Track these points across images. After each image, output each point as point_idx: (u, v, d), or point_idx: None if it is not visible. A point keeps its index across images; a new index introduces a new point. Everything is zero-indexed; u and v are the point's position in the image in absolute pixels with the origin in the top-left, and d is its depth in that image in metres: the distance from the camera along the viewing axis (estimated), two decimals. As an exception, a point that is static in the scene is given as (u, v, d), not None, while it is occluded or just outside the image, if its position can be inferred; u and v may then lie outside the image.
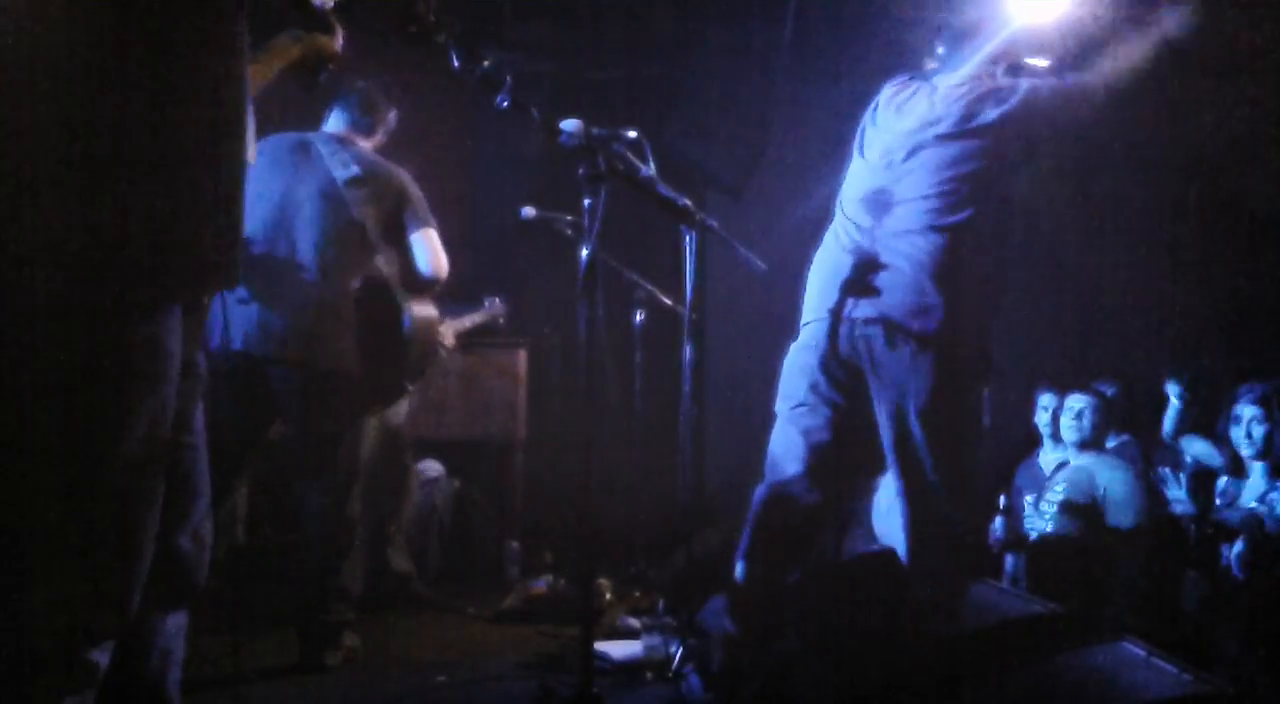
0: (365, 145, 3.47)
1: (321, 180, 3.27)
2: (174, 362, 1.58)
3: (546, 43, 5.61)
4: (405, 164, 4.08)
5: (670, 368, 3.93)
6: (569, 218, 3.99)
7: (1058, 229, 6.21)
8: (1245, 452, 3.72)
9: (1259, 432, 3.66)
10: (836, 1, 5.30)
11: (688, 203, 3.07)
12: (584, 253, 2.49)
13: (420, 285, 3.39)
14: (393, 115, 3.57)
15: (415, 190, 3.41)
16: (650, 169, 3.05)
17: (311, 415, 3.19)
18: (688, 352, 3.28)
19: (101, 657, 1.54)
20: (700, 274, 3.06)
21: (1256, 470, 3.71)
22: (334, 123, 3.48)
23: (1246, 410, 3.71)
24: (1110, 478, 3.98)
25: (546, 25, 5.53)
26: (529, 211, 4.09)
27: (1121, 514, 3.92)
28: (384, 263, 3.33)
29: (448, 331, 4.53)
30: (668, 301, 4.15)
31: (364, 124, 3.49)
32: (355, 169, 3.28)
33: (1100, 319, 6.07)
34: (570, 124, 2.93)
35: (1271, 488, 3.62)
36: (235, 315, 3.11)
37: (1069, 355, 5.74)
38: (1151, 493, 4.10)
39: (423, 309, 3.45)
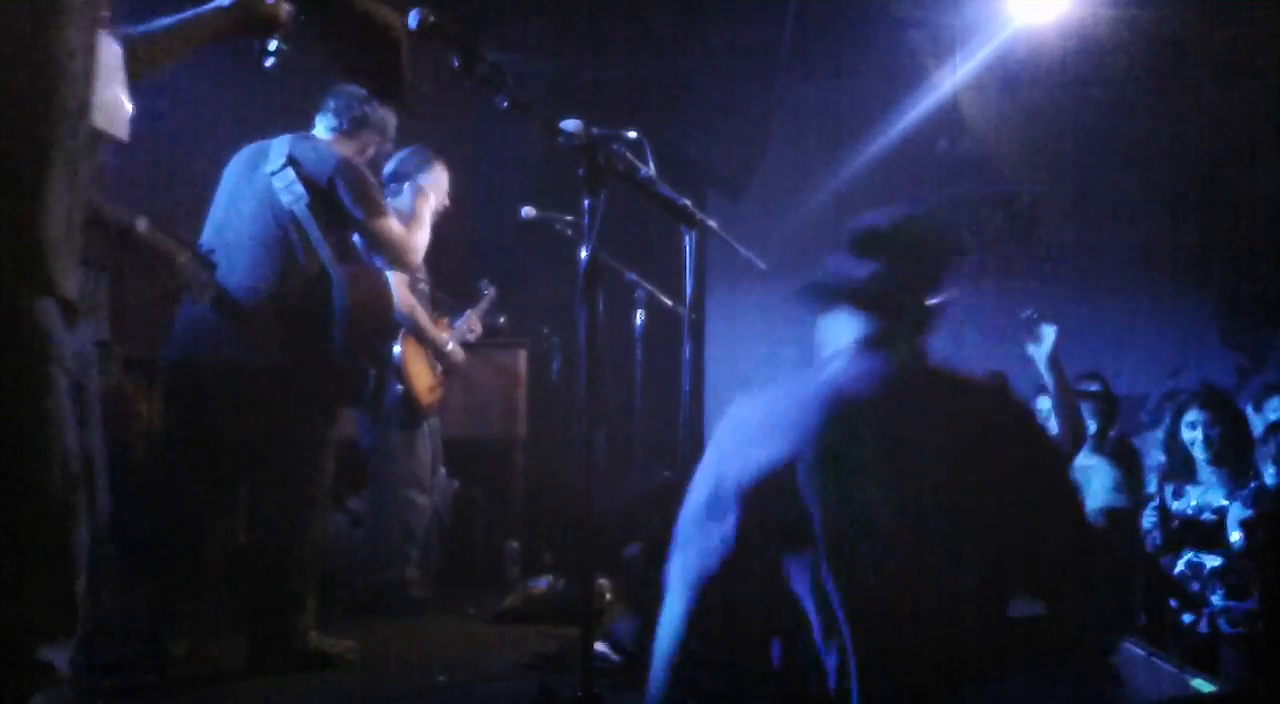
0: (333, 144, 3.35)
1: (261, 180, 3.20)
2: (66, 352, 1.59)
3: (546, 43, 5.61)
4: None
5: (670, 368, 3.92)
6: (569, 218, 4.00)
7: (1058, 229, 6.22)
8: (1200, 455, 3.67)
9: (1214, 434, 3.63)
10: (836, 1, 5.30)
11: (687, 203, 3.07)
12: (584, 253, 2.49)
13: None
14: (386, 119, 3.46)
15: (353, 174, 3.24)
16: (650, 169, 3.05)
17: (242, 416, 3.07)
18: (686, 351, 3.28)
19: (58, 657, 1.55)
20: (700, 274, 3.05)
21: (1211, 475, 3.65)
22: (316, 127, 3.43)
23: (1198, 414, 3.67)
24: (1103, 479, 3.98)
25: (546, 25, 5.53)
26: (529, 211, 4.09)
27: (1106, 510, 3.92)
28: (326, 250, 3.18)
29: (476, 326, 4.62)
30: (668, 302, 4.15)
31: (337, 126, 3.40)
32: (281, 160, 3.17)
33: (1100, 319, 6.06)
34: (570, 124, 2.93)
35: (1232, 497, 3.55)
36: (183, 321, 3.11)
37: (1069, 356, 5.73)
38: (1137, 489, 4.09)
39: (367, 280, 3.29)
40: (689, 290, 3.09)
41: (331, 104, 3.42)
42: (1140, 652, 2.02)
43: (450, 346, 4.33)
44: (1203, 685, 1.85)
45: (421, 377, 4.19)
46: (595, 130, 2.75)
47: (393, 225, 3.33)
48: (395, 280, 4.11)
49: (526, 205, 4.09)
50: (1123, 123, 5.99)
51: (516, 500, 5.18)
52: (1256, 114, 5.87)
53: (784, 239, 5.88)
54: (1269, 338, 6.06)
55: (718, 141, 5.71)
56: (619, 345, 4.35)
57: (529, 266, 5.61)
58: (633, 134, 2.99)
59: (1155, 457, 4.35)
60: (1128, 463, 4.40)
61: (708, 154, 5.68)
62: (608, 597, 4.05)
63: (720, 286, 5.61)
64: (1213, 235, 6.15)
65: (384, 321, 3.34)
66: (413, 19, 2.28)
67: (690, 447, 3.61)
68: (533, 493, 5.19)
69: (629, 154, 2.95)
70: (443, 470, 4.96)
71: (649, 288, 4.19)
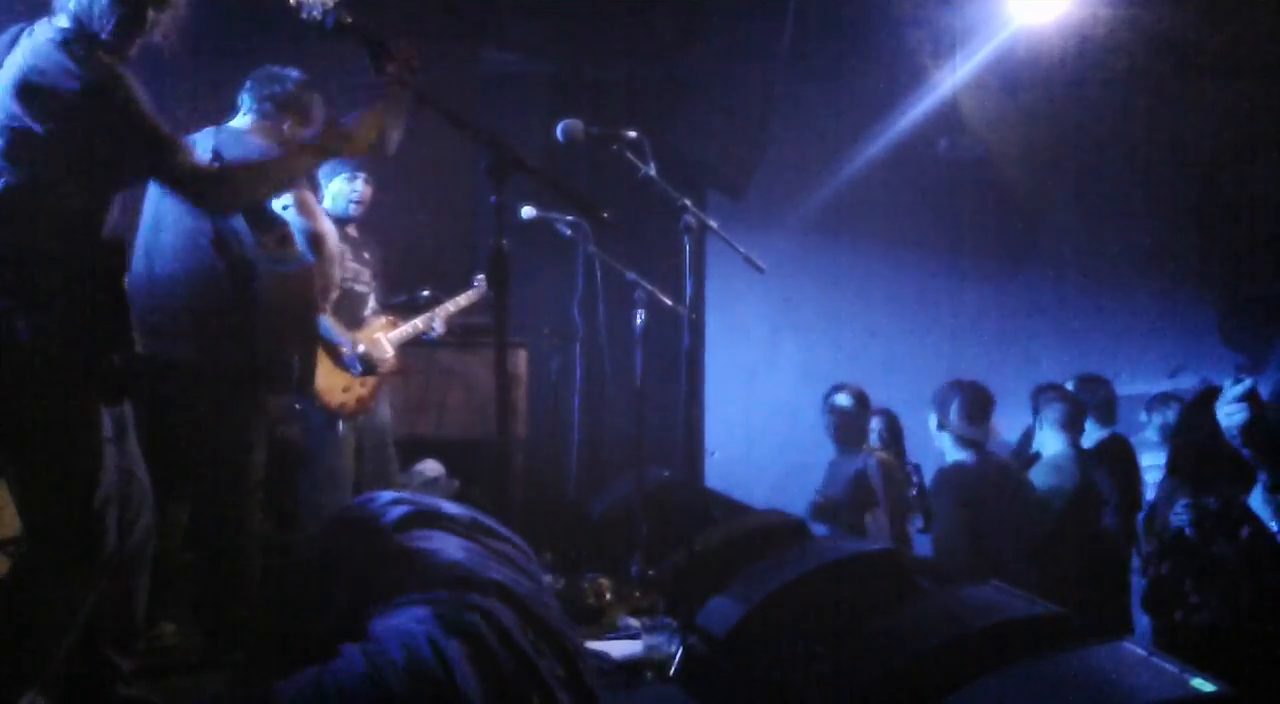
0: (252, 133, 3.23)
1: None
2: None
3: (546, 43, 5.61)
4: (406, 165, 4.07)
5: (670, 367, 3.93)
6: (569, 218, 4.00)
7: (1058, 229, 6.23)
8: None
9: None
10: (836, 1, 5.30)
11: (687, 202, 3.07)
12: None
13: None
14: (302, 99, 3.30)
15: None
16: (650, 169, 3.05)
17: (162, 410, 2.96)
18: (685, 350, 3.28)
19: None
20: (699, 274, 3.06)
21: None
22: (239, 111, 3.30)
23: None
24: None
25: (546, 25, 5.53)
26: (529, 211, 4.08)
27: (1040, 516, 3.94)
28: (250, 238, 3.04)
29: (439, 324, 4.38)
30: (668, 301, 4.15)
31: (253, 108, 3.27)
32: (207, 155, 3.04)
33: (1101, 319, 6.07)
34: (567, 124, 2.94)
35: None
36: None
37: (1070, 356, 5.73)
38: (1133, 487, 4.08)
39: (292, 267, 3.15)
40: (688, 290, 3.09)
41: (248, 84, 3.29)
42: (1140, 652, 2.02)
43: (361, 349, 3.98)
44: (1203, 685, 1.85)
45: (322, 376, 3.89)
46: (594, 129, 2.76)
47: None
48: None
49: (526, 205, 4.09)
50: (1123, 123, 5.99)
51: (516, 500, 5.17)
52: (1256, 114, 5.88)
53: (784, 239, 5.88)
54: (1269, 338, 6.07)
55: (718, 141, 5.70)
56: (619, 345, 4.36)
57: (529, 266, 5.60)
58: (633, 134, 3.00)
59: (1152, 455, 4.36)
60: (1123, 463, 4.39)
61: (708, 154, 5.68)
62: (608, 596, 4.05)
63: (720, 286, 5.60)
64: (1213, 235, 6.16)
65: (308, 307, 3.23)
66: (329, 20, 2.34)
67: (689, 446, 3.61)
68: (533, 493, 5.18)
69: (629, 153, 2.95)
70: (442, 470, 4.96)
71: (649, 287, 4.19)
